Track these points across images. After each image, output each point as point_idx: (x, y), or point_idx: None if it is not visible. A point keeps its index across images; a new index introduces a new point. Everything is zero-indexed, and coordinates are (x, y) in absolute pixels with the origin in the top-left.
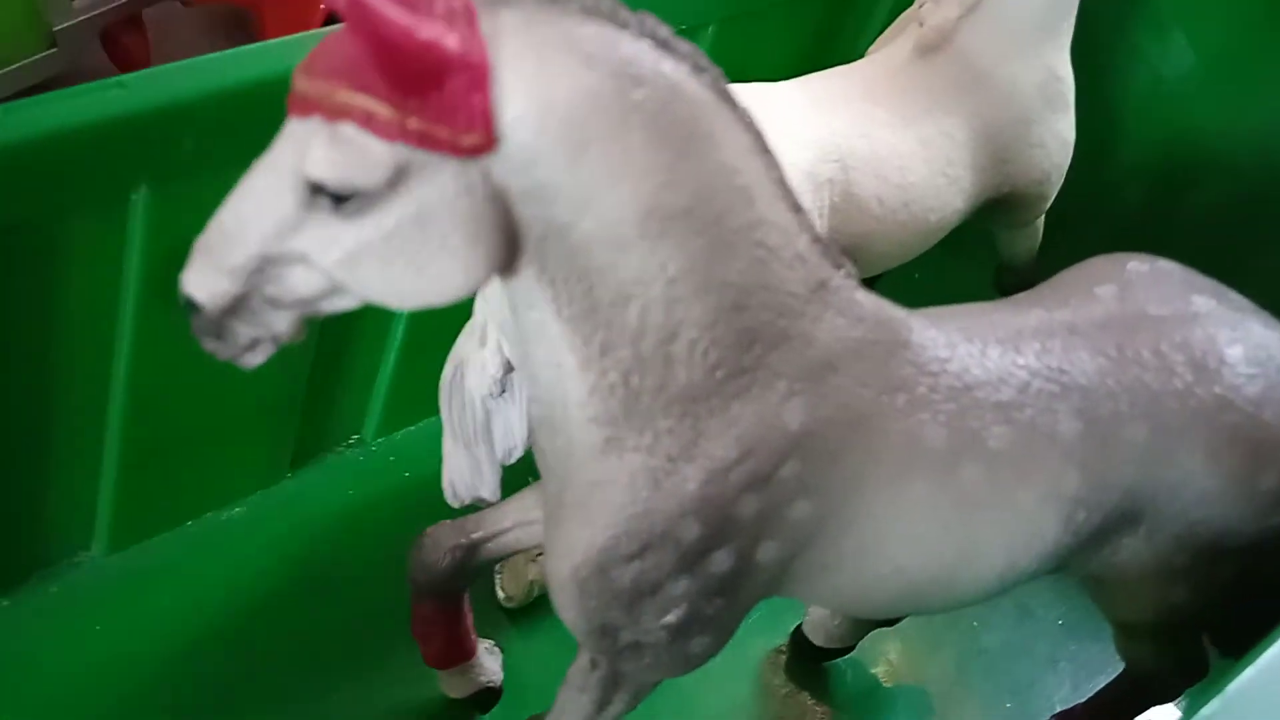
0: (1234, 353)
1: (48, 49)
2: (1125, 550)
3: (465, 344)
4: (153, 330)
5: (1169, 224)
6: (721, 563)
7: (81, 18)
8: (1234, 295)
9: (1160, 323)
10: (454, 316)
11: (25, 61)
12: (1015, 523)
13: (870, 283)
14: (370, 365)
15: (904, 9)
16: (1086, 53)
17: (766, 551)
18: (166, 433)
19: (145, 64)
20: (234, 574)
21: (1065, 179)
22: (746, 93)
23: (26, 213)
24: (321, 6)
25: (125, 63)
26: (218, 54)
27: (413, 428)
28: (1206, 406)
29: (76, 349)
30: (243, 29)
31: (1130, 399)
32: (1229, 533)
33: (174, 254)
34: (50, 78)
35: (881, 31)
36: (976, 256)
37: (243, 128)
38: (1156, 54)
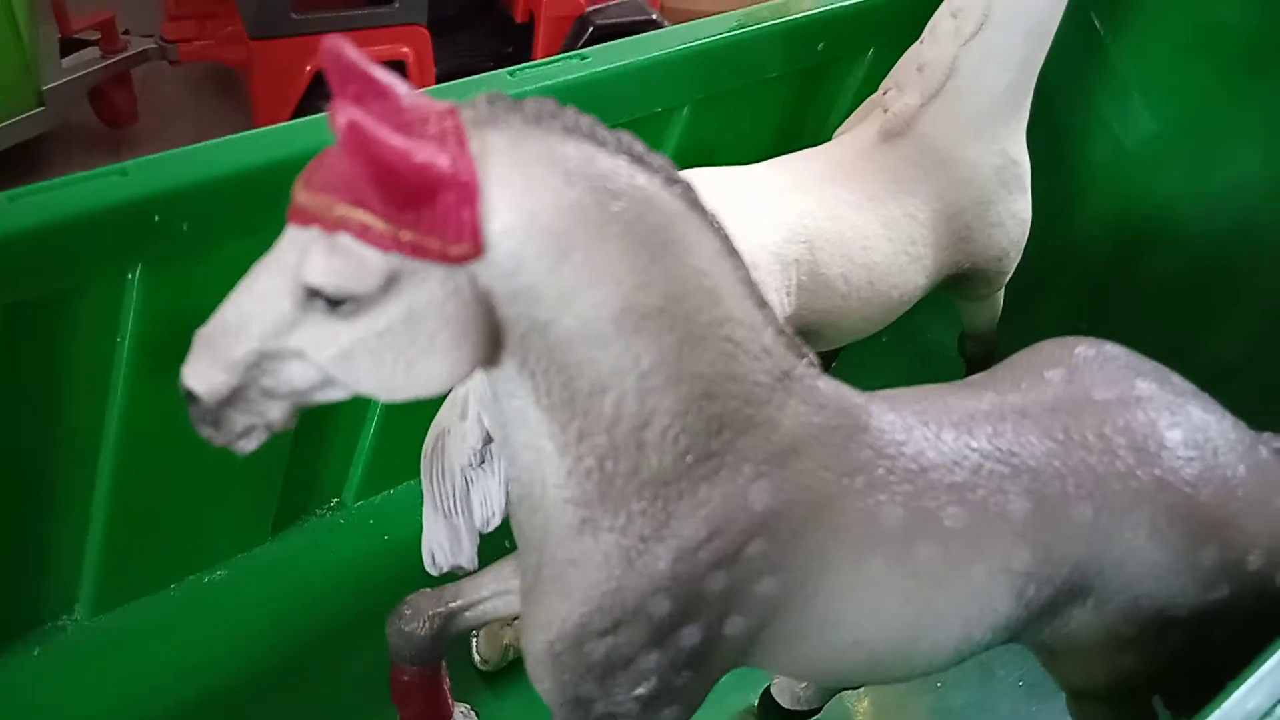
0: (1173, 436)
1: (37, 107)
2: (1075, 621)
3: (447, 415)
4: (143, 400)
5: (1129, 290)
6: (691, 637)
7: (70, 77)
8: (1176, 379)
9: (1105, 407)
10: None
11: (15, 119)
12: (969, 597)
13: (838, 350)
14: (351, 431)
15: (869, 94)
16: (1049, 123)
17: (734, 626)
18: (152, 497)
19: (132, 121)
20: (216, 636)
21: (1027, 246)
22: (721, 176)
23: (30, 292)
24: (307, 68)
25: (113, 120)
26: (213, 142)
27: (392, 491)
28: (1147, 487)
29: (70, 417)
30: (230, 88)
31: (1077, 480)
32: (1174, 605)
33: (165, 330)
34: (39, 134)
35: (850, 112)
36: (940, 321)
37: (235, 212)
38: (1117, 122)
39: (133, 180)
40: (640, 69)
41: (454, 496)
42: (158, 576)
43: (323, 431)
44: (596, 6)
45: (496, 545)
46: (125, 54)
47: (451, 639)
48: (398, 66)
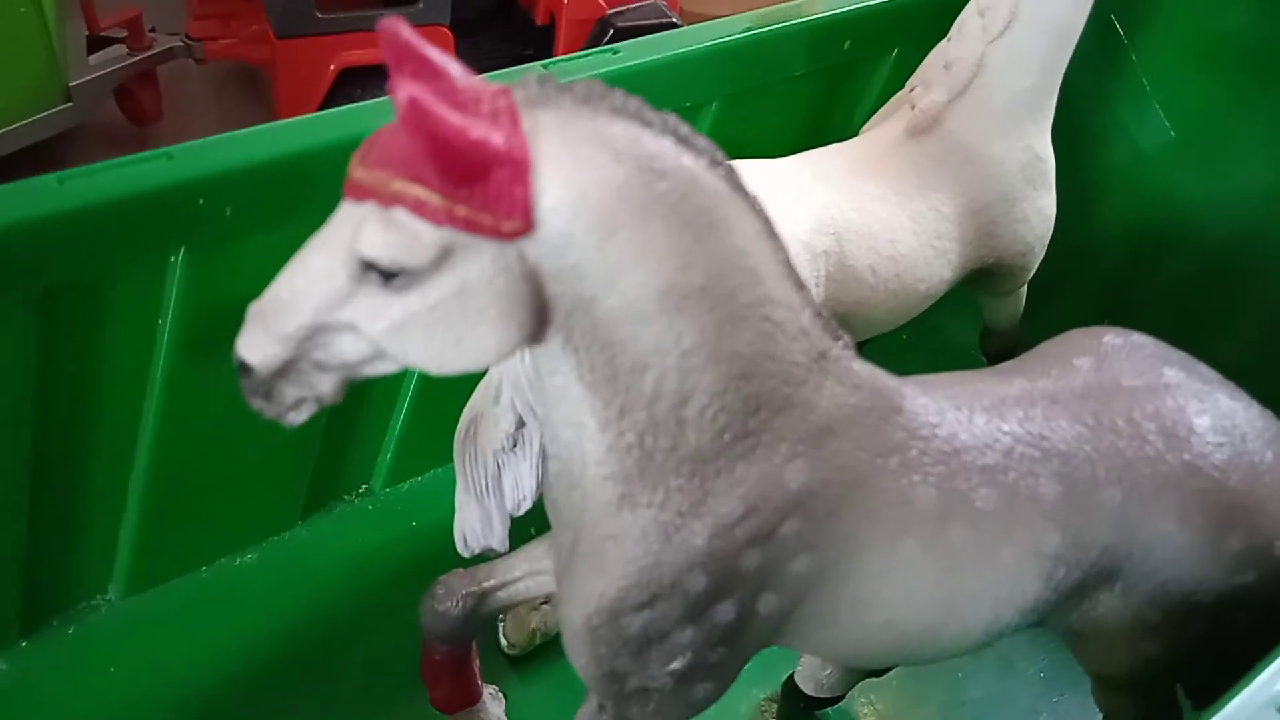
0: (1202, 422)
1: (64, 103)
2: (1102, 606)
3: (480, 400)
4: (182, 385)
5: (1145, 291)
6: (726, 613)
7: (97, 74)
8: (1203, 368)
9: (1134, 393)
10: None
11: (42, 114)
12: (1000, 578)
13: (862, 345)
14: (382, 417)
15: (895, 90)
16: (1069, 125)
17: (768, 603)
18: (187, 481)
19: (157, 119)
20: (245, 618)
21: (1050, 247)
22: (750, 168)
23: (74, 274)
24: (332, 68)
25: (138, 117)
26: (256, 128)
27: (420, 479)
28: (1176, 472)
29: (110, 401)
30: (253, 87)
31: (1106, 464)
32: (1199, 590)
33: (206, 315)
34: (65, 130)
35: (875, 110)
36: (962, 318)
37: (277, 198)
38: (1136, 127)
39: (178, 165)
40: (670, 64)
41: (486, 480)
42: (190, 559)
43: (353, 418)
44: (617, 9)
45: (525, 530)
46: (151, 52)
47: (483, 619)
48: None
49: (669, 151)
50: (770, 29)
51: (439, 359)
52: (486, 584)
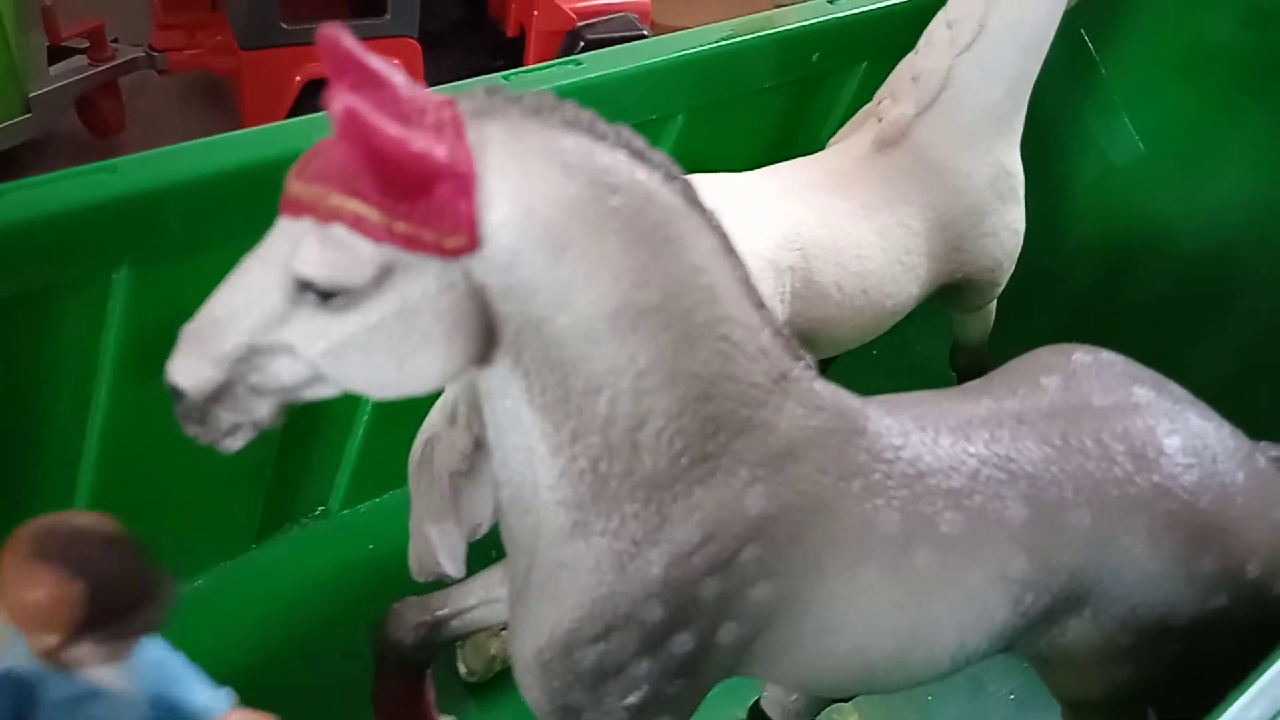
0: (1172, 443)
1: (23, 114)
2: (1072, 630)
3: (435, 421)
4: (126, 402)
5: (1116, 305)
6: (684, 644)
7: (57, 84)
8: (1173, 386)
9: (1103, 413)
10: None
11: (1, 125)
12: (966, 604)
13: (830, 361)
14: (339, 436)
15: (863, 103)
16: (1039, 138)
17: (728, 632)
18: (134, 502)
19: (120, 130)
20: (197, 644)
21: (1020, 262)
22: (715, 182)
23: (16, 288)
24: (297, 79)
25: (100, 129)
26: (203, 140)
27: (378, 500)
28: (1146, 494)
29: (52, 416)
30: (217, 98)
31: (1074, 486)
32: (1172, 614)
33: (150, 331)
34: (23, 142)
35: (843, 123)
36: (932, 334)
37: (225, 212)
38: (1105, 141)
39: (121, 178)
40: (635, 76)
41: (442, 502)
42: None
43: (309, 438)
44: (588, 21)
45: (484, 555)
46: (114, 63)
47: (438, 648)
48: None
49: (622, 165)
50: (737, 41)
51: (380, 383)
52: (440, 612)
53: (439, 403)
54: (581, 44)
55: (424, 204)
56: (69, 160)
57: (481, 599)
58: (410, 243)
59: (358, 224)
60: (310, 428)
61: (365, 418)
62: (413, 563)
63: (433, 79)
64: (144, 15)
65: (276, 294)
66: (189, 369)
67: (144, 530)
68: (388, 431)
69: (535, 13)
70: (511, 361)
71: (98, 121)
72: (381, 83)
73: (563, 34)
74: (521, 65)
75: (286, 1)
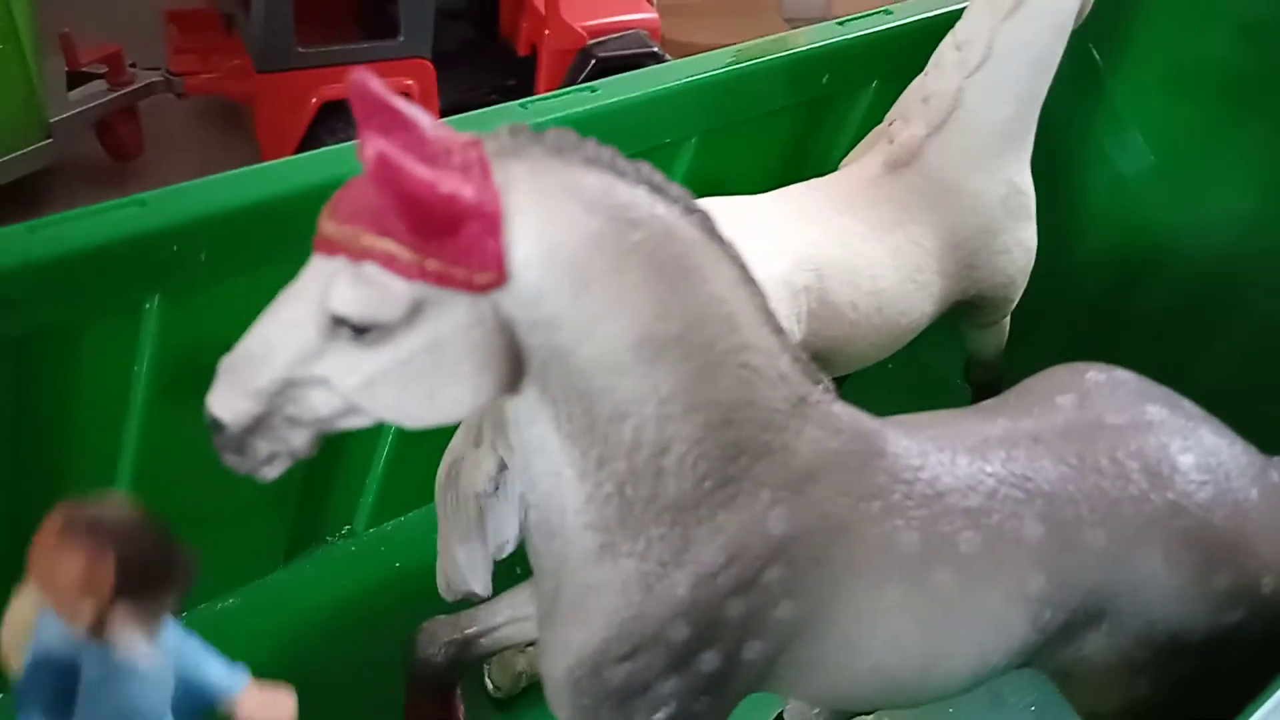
0: (1186, 460)
1: (44, 139)
2: (1090, 646)
3: (461, 443)
4: (158, 429)
5: (1129, 318)
6: (710, 662)
7: (77, 109)
8: (1186, 404)
9: (1117, 432)
10: None
11: (22, 151)
12: (986, 622)
13: (845, 378)
14: (363, 458)
15: (874, 124)
16: (1049, 154)
17: (752, 651)
18: (166, 525)
19: (138, 154)
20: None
21: (1031, 276)
22: (729, 205)
23: (49, 319)
24: (313, 101)
25: (119, 152)
26: (230, 173)
27: (403, 518)
28: (1161, 512)
29: (85, 447)
30: (234, 121)
31: (1090, 505)
32: (1188, 629)
33: (181, 359)
34: (44, 167)
35: (854, 144)
36: (947, 349)
37: (253, 243)
38: (1116, 154)
39: (151, 211)
40: (649, 101)
41: (468, 523)
42: None
43: (335, 459)
44: (599, 39)
45: (509, 572)
46: (132, 87)
47: (467, 665)
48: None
49: (643, 201)
50: (748, 64)
51: (413, 413)
52: (469, 630)
53: (464, 425)
54: (593, 62)
55: (453, 242)
56: (88, 184)
57: (509, 617)
58: (441, 279)
59: (390, 262)
60: (336, 449)
61: (390, 439)
62: (441, 582)
63: (445, 99)
64: (160, 40)
65: (311, 330)
66: (228, 402)
67: None
68: (412, 450)
69: (546, 32)
70: (539, 391)
71: (116, 145)
72: (409, 125)
73: (574, 52)
74: (533, 84)
75: (302, 24)
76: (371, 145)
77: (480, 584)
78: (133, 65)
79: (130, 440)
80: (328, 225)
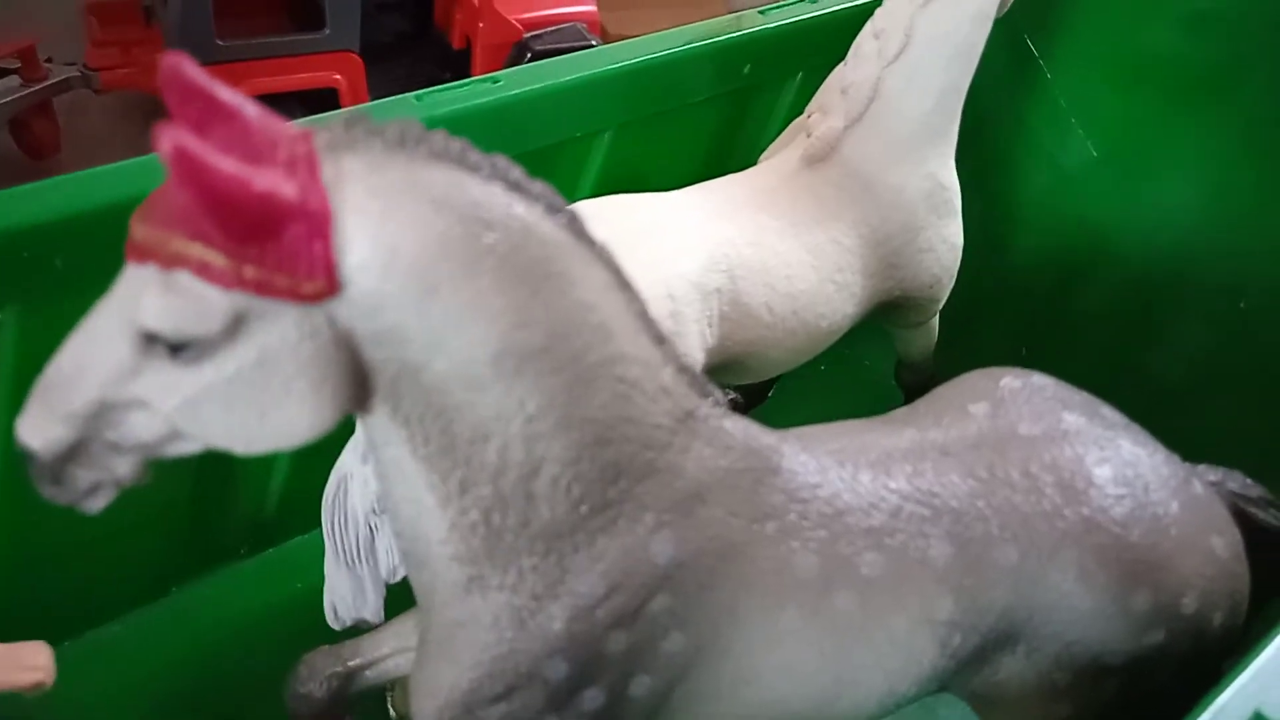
0: (1102, 473)
1: None
2: (1005, 670)
3: (349, 459)
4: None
5: (1067, 317)
6: (593, 700)
7: None
8: (1106, 410)
9: (1031, 443)
10: (344, 426)
11: None
12: (891, 649)
13: (775, 380)
14: (260, 472)
15: (798, 117)
16: (984, 148)
17: (640, 686)
18: (41, 547)
19: (55, 152)
20: (112, 694)
21: (965, 272)
22: (637, 202)
23: None
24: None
25: (34, 150)
26: (87, 172)
27: (305, 536)
28: (1075, 528)
29: None
30: (156, 116)
31: (1000, 521)
32: (1108, 651)
33: (39, 374)
34: None
35: (776, 138)
36: (880, 349)
37: (113, 249)
38: (1055, 147)
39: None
40: (558, 92)
41: (357, 545)
42: (50, 631)
43: (228, 475)
44: (535, 33)
45: (406, 596)
46: (47, 82)
47: (352, 699)
48: (330, 94)
49: (498, 199)
50: (663, 54)
51: (244, 437)
52: (352, 663)
53: (352, 441)
54: (529, 55)
55: (274, 247)
56: (2, 184)
57: (395, 648)
58: (262, 289)
59: (203, 270)
60: (229, 463)
61: (286, 454)
62: (328, 609)
63: (377, 94)
64: (78, 34)
65: (124, 346)
66: (38, 427)
67: (53, 576)
68: (311, 468)
69: (481, 25)
70: (390, 410)
71: (32, 143)
72: (231, 114)
73: (509, 45)
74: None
75: (222, 17)
76: (169, 138)
77: (371, 610)
78: (48, 60)
79: None
80: (138, 228)
